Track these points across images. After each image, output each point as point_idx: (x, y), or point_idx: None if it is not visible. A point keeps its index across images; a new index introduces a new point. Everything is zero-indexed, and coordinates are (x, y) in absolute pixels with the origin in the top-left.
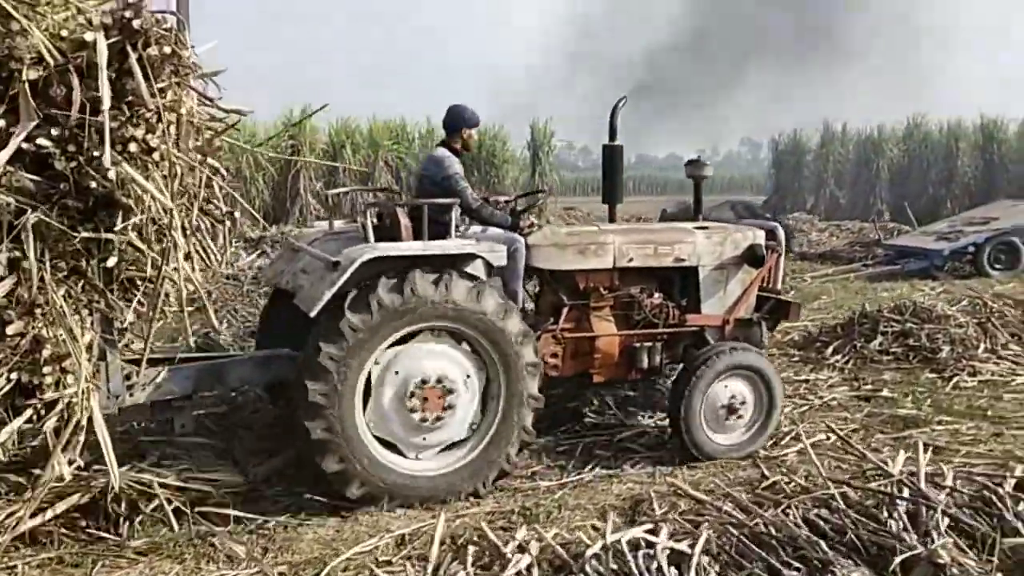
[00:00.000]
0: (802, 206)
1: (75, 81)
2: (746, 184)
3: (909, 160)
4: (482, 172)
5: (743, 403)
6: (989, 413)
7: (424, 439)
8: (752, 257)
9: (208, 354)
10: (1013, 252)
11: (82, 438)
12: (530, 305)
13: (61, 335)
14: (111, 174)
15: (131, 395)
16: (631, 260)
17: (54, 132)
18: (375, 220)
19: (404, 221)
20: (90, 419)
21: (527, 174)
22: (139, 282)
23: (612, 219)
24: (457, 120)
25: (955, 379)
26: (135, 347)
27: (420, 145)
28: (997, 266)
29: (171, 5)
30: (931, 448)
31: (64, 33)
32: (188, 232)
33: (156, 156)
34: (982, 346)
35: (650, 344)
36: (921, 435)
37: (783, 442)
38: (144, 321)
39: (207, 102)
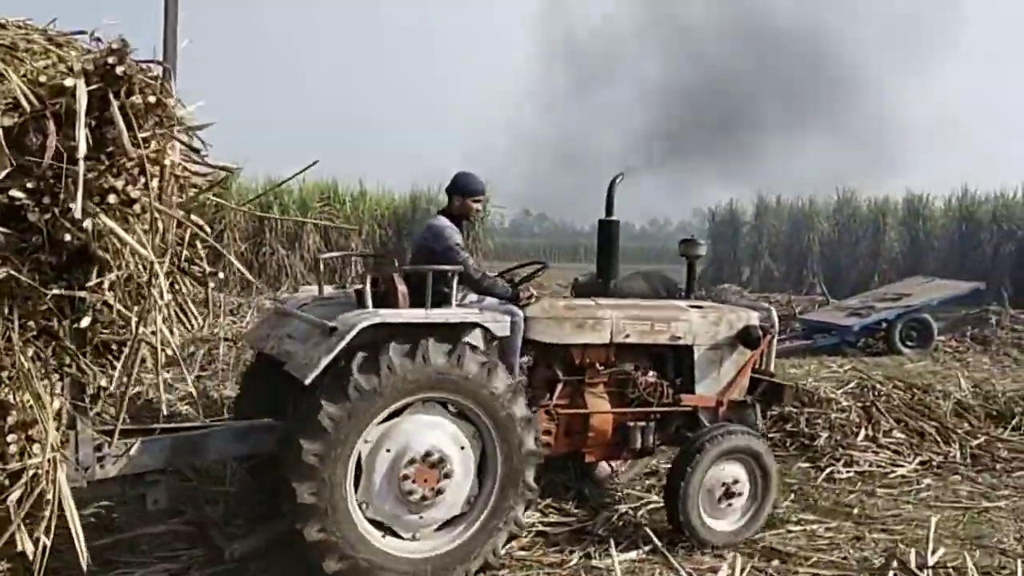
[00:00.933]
0: (737, 278)
1: (51, 128)
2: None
3: (839, 234)
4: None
5: (738, 486)
6: (855, 511)
7: (421, 517)
8: (747, 338)
9: (185, 424)
10: (925, 329)
11: (47, 513)
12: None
13: (28, 401)
14: (87, 224)
15: (101, 467)
16: (628, 336)
17: (28, 183)
18: (371, 287)
19: (401, 288)
20: (57, 492)
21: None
22: (114, 346)
23: (606, 293)
24: (457, 188)
25: (829, 470)
26: (107, 415)
27: (351, 207)
28: (909, 343)
29: (157, 54)
30: (778, 555)
31: (43, 79)
32: (168, 292)
33: (137, 208)
34: (862, 433)
35: (643, 424)
36: (774, 537)
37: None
38: (118, 387)
39: (193, 156)
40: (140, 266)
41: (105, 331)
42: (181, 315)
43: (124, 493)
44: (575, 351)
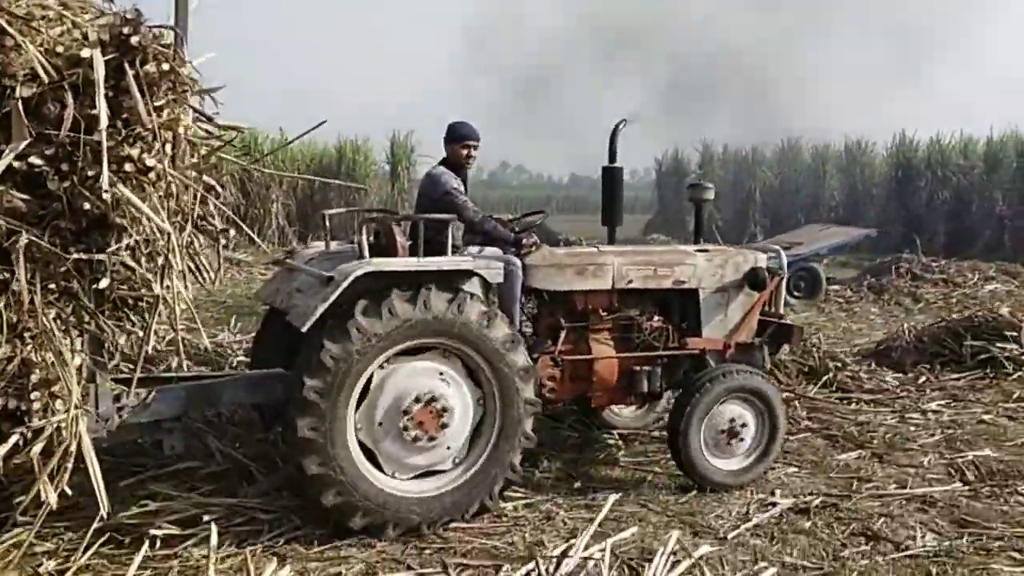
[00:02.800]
0: (683, 227)
1: (69, 99)
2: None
3: (781, 183)
4: (340, 188)
5: (744, 427)
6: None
7: (407, 458)
8: (754, 280)
9: (200, 374)
10: (813, 279)
11: (70, 465)
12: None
13: (50, 359)
14: (106, 195)
15: (121, 417)
16: (630, 282)
17: (47, 151)
18: (371, 238)
19: (400, 239)
20: (79, 444)
21: (388, 190)
22: (131, 302)
23: (611, 240)
24: (448, 135)
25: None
26: (124, 368)
27: (272, 157)
28: (796, 293)
29: (169, 20)
30: None
31: (59, 49)
32: (182, 250)
33: (152, 176)
34: None
35: (649, 368)
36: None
37: None
38: (135, 341)
39: (204, 119)
40: (156, 230)
41: (122, 287)
42: (195, 271)
43: (142, 440)
44: (577, 297)
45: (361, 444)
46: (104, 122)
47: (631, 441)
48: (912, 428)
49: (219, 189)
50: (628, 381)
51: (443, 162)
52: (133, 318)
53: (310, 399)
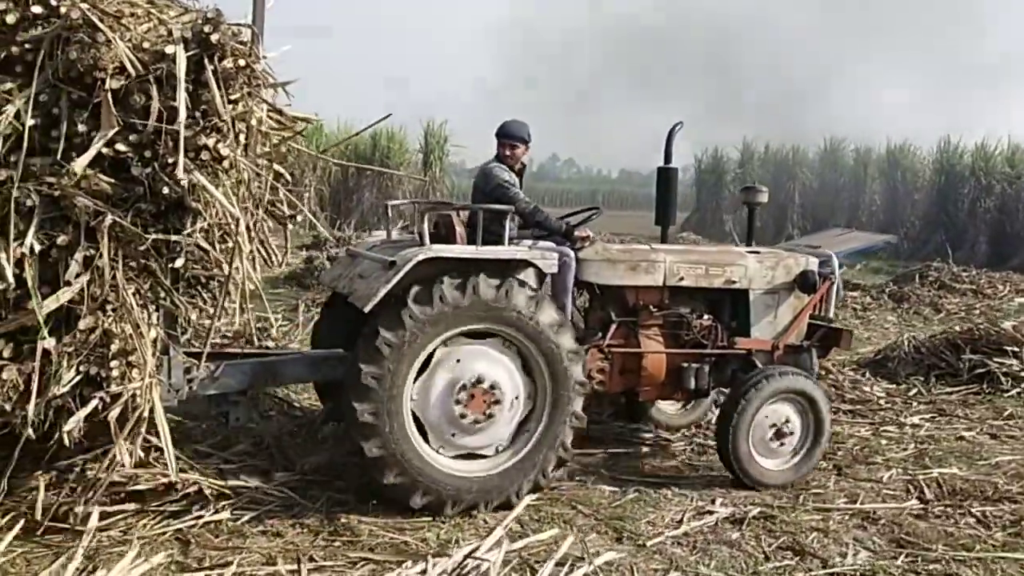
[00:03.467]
0: (720, 226)
1: (154, 91)
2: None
3: (821, 185)
4: (375, 175)
5: (790, 428)
6: None
7: (454, 436)
8: (804, 283)
9: (265, 351)
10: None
11: (143, 429)
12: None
13: (129, 331)
14: (183, 181)
15: (191, 389)
16: (681, 279)
17: (132, 139)
18: (431, 228)
19: (459, 229)
20: (151, 410)
21: (422, 180)
22: (203, 281)
23: (664, 240)
24: (499, 133)
25: None
26: (194, 343)
27: (306, 143)
28: None
29: (247, 17)
30: None
31: (146, 45)
32: (252, 233)
33: (226, 164)
34: None
35: (698, 365)
36: None
37: None
38: (206, 318)
39: (275, 111)
40: (227, 215)
41: (196, 267)
42: (263, 253)
43: (209, 411)
44: (628, 293)
45: (414, 416)
46: (183, 114)
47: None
48: (884, 442)
49: (287, 177)
50: (676, 377)
51: (496, 157)
52: (205, 296)
53: (367, 385)
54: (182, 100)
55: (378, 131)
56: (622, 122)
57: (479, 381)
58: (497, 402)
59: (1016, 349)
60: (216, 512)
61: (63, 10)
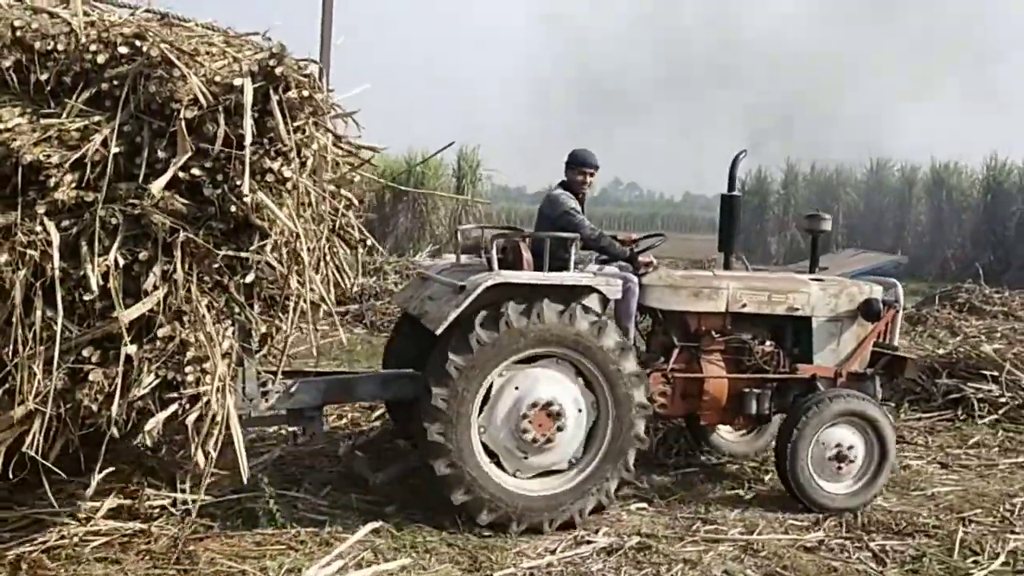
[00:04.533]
0: (763, 249)
1: (221, 120)
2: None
3: (867, 205)
4: (410, 198)
5: (852, 452)
6: None
7: (526, 458)
8: (868, 311)
9: (338, 370)
10: None
11: (216, 433)
12: (641, 345)
13: (203, 340)
14: (248, 200)
15: (266, 401)
16: (744, 306)
17: (205, 164)
18: (500, 254)
19: (526, 255)
20: (226, 417)
21: (455, 204)
22: (278, 299)
23: (727, 266)
24: (569, 161)
25: None
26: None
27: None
28: None
29: (314, 54)
30: None
31: (217, 79)
32: (326, 256)
33: (289, 185)
34: None
35: (759, 391)
36: None
37: None
38: (281, 334)
39: (340, 140)
40: (291, 234)
41: (272, 287)
42: (337, 274)
43: (288, 425)
44: (691, 318)
45: (484, 446)
46: (248, 139)
47: None
48: None
49: (356, 203)
50: (737, 402)
51: (561, 184)
52: (280, 315)
53: (437, 406)
54: (248, 127)
55: (411, 155)
56: (681, 146)
57: (546, 403)
58: (560, 426)
59: (996, 374)
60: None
61: (145, 49)
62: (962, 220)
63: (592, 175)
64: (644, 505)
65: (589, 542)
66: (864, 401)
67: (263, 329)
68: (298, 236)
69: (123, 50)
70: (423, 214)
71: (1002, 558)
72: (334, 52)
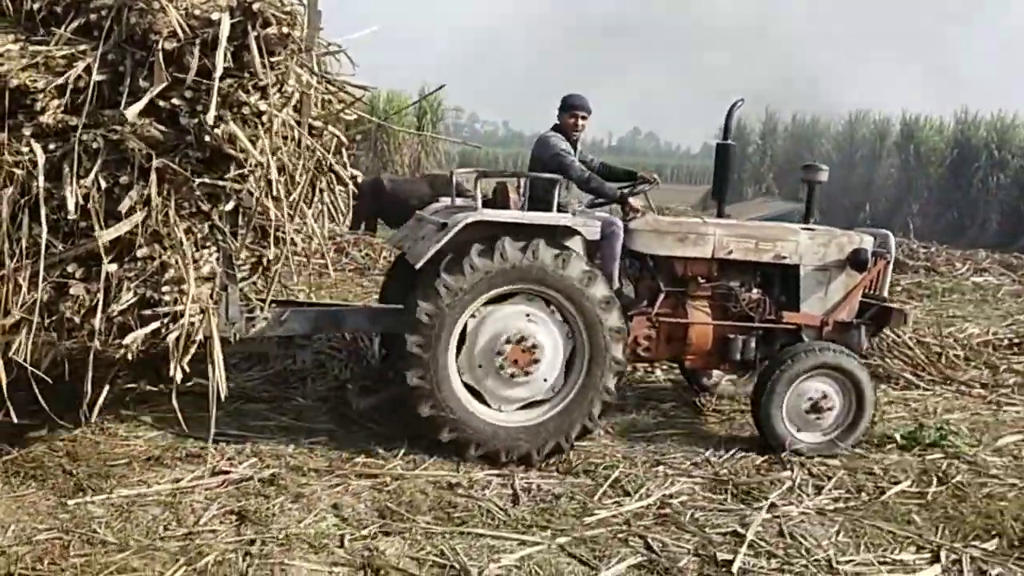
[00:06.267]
0: (741, 199)
1: (196, 51)
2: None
3: (840, 159)
4: (372, 140)
5: (828, 403)
6: None
7: (508, 393)
8: (856, 261)
9: (330, 301)
10: None
11: (192, 351)
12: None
13: (180, 262)
14: (216, 130)
15: (253, 326)
16: (730, 252)
17: (187, 94)
18: (489, 195)
19: (513, 196)
20: (209, 337)
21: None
22: (268, 230)
23: (720, 214)
24: (562, 105)
25: None
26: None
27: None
28: None
29: None
30: None
31: (196, 12)
32: (317, 191)
33: (265, 119)
34: None
35: (744, 337)
36: None
37: None
38: (272, 263)
39: (325, 78)
40: (274, 166)
41: (261, 217)
42: (331, 210)
43: (280, 352)
44: (677, 263)
45: (467, 385)
46: (219, 71)
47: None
48: None
49: (345, 141)
50: (722, 348)
51: (554, 128)
52: (269, 244)
53: (413, 352)
54: (219, 59)
55: (375, 95)
56: (698, 97)
57: (520, 338)
58: (536, 359)
59: None
60: None
61: None
62: (928, 175)
63: (585, 119)
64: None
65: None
66: (841, 354)
67: (249, 256)
68: (269, 167)
69: None
70: (385, 153)
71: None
72: None
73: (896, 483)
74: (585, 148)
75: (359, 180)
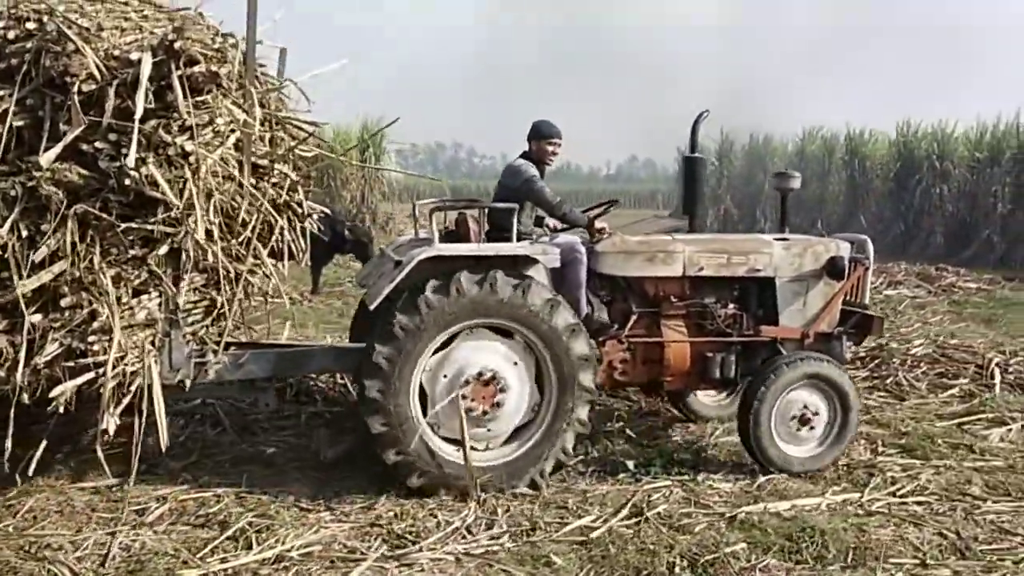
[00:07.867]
0: (701, 218)
1: (112, 93)
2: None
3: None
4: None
5: (816, 415)
6: None
7: (488, 430)
8: (833, 269)
9: (291, 342)
10: None
11: (125, 401)
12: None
13: (108, 310)
14: (134, 173)
15: (207, 373)
16: (701, 269)
17: (109, 137)
18: (447, 226)
19: (473, 226)
20: (150, 386)
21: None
22: (222, 272)
23: (692, 228)
24: (534, 133)
25: None
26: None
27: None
28: None
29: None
30: None
31: (117, 53)
32: (272, 229)
33: (192, 160)
34: None
35: (723, 354)
36: None
37: None
38: (227, 306)
39: (277, 115)
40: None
41: (207, 260)
42: (294, 246)
43: (238, 398)
44: (648, 284)
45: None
46: (140, 111)
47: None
48: None
49: (295, 179)
50: (701, 366)
51: (524, 155)
52: (221, 286)
53: (373, 398)
54: (140, 99)
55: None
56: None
57: (478, 374)
58: (502, 388)
59: None
60: None
61: (45, 23)
62: (874, 189)
63: (560, 147)
64: None
65: None
66: (825, 364)
67: (200, 299)
68: (203, 209)
69: (31, 25)
70: (332, 189)
71: None
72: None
73: (581, 517)
74: (580, 177)
75: (314, 216)
